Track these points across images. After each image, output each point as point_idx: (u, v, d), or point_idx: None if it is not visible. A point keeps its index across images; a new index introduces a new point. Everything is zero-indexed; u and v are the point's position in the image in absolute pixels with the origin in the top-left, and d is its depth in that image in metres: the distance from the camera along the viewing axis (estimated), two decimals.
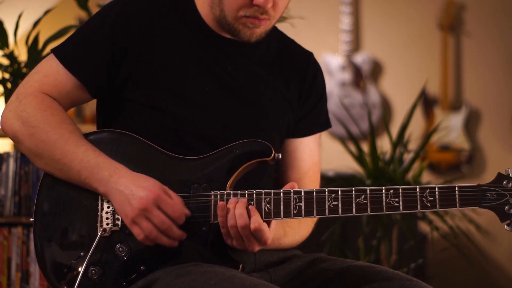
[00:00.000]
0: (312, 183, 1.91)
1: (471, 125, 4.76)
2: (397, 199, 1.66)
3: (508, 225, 1.65)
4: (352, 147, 3.33)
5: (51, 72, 1.79)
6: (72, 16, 4.34)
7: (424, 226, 3.99)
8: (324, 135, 1.98)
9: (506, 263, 4.67)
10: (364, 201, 1.66)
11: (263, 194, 1.68)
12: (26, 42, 2.83)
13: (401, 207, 1.65)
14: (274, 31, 1.90)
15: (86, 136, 1.76)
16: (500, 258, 4.66)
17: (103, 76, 1.78)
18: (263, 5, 1.71)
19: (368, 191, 1.66)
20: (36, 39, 2.82)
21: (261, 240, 1.65)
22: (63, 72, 1.78)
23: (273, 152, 1.71)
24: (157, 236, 1.65)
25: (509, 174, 1.65)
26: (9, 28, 2.84)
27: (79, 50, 1.79)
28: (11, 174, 2.79)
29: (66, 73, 1.78)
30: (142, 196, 1.64)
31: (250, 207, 1.66)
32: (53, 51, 1.81)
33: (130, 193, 1.65)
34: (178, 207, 1.66)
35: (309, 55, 1.96)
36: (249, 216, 1.64)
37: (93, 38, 1.79)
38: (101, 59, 1.78)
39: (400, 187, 1.66)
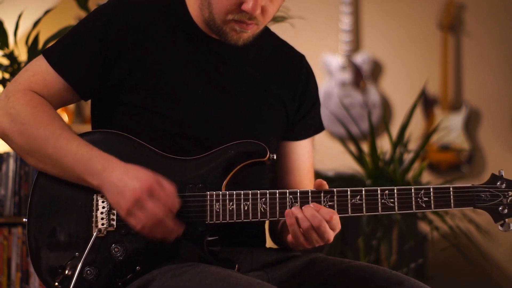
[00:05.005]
0: (311, 185, 1.91)
1: (471, 125, 4.76)
2: (392, 200, 1.68)
3: (501, 225, 1.67)
4: (352, 147, 3.33)
5: (40, 71, 1.77)
6: (72, 16, 4.34)
7: (424, 226, 3.99)
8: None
9: (506, 263, 4.67)
10: (359, 202, 1.68)
11: (258, 195, 1.69)
12: (26, 42, 2.83)
13: (396, 208, 1.68)
14: (267, 32, 1.90)
15: (80, 136, 1.74)
16: (500, 258, 4.66)
17: (93, 79, 1.78)
18: (250, 12, 1.72)
19: (363, 191, 1.68)
20: (36, 39, 2.81)
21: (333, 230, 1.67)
22: (53, 73, 1.77)
23: (268, 152, 1.71)
24: (152, 227, 1.65)
25: (502, 175, 1.68)
26: (9, 28, 2.84)
27: (69, 52, 1.78)
28: (11, 174, 2.79)
29: (55, 75, 1.77)
30: (135, 187, 1.64)
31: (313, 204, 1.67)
32: (43, 52, 1.79)
33: (123, 185, 1.65)
34: (171, 198, 1.66)
35: (301, 57, 1.96)
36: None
37: (84, 40, 1.78)
38: (91, 62, 1.77)
39: (395, 187, 1.68)
